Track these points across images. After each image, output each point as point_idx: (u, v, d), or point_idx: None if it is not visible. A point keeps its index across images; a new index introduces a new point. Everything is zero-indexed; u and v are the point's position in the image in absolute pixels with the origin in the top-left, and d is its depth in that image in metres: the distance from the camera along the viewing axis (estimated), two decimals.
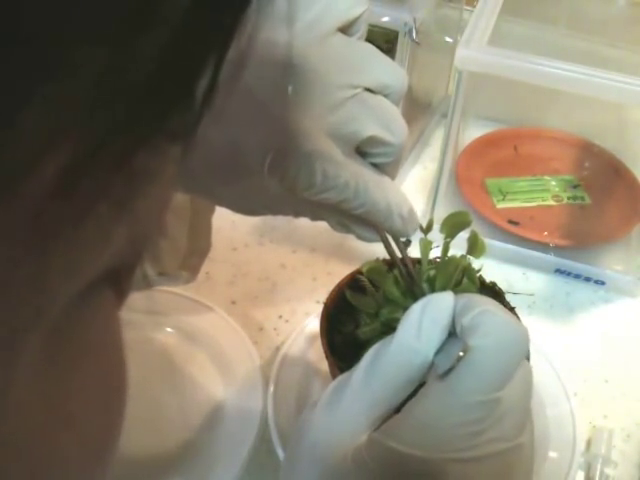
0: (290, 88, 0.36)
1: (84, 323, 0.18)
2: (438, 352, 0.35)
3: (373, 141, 0.38)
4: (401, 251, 0.44)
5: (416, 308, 0.36)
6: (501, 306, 0.37)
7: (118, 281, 0.19)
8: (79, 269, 0.16)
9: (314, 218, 0.44)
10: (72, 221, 0.14)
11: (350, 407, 0.36)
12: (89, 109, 0.13)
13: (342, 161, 0.37)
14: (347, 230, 0.44)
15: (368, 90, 0.38)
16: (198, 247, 0.51)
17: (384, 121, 0.38)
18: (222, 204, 0.43)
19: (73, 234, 0.15)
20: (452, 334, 0.36)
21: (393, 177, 0.41)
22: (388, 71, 0.38)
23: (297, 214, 0.43)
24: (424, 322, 0.36)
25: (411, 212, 0.42)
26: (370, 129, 0.38)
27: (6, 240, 0.13)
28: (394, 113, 0.39)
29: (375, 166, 0.40)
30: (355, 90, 0.37)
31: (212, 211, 0.50)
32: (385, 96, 0.38)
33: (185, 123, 0.16)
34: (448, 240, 0.45)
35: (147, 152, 0.15)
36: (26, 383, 0.16)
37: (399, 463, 0.34)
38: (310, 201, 0.39)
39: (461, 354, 0.34)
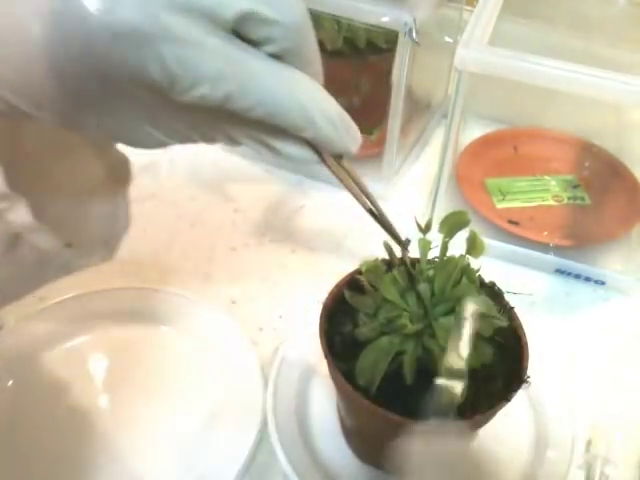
0: None
1: None
2: None
3: (250, 20, 0.29)
4: (401, 250, 0.44)
5: None
6: None
7: None
8: None
9: (207, 139, 0.34)
10: None
11: None
12: None
13: (206, 43, 0.29)
14: (264, 147, 0.34)
15: None
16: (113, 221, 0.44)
17: None
18: (100, 134, 0.33)
19: None
20: None
21: (314, 76, 0.32)
22: None
23: (187, 139, 0.34)
24: None
25: (343, 116, 0.33)
26: (238, 2, 0.29)
27: None
28: None
29: (278, 59, 0.31)
30: None
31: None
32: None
33: None
34: (446, 240, 0.45)
35: None
36: None
37: None
38: (202, 114, 0.31)
39: None
